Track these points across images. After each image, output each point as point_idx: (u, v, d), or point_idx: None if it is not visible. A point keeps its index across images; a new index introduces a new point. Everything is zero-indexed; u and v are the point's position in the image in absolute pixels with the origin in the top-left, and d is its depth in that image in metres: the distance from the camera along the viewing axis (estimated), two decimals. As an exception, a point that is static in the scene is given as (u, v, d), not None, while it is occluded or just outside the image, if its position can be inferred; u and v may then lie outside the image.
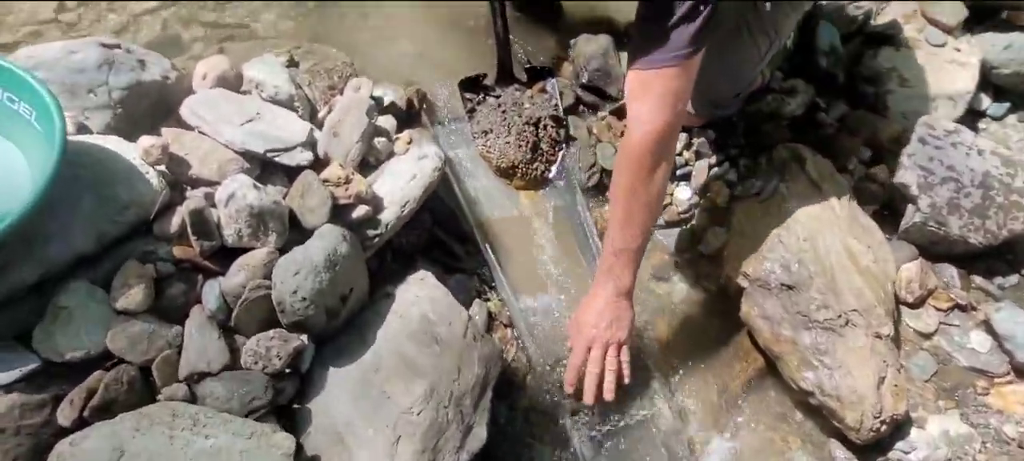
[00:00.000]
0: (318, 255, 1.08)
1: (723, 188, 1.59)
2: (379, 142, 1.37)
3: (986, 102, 1.80)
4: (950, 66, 1.71)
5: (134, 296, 1.00)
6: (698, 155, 1.64)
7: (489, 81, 1.71)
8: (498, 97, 1.68)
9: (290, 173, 1.23)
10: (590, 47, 1.74)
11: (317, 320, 1.08)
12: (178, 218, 1.09)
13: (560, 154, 1.65)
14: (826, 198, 1.45)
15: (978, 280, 1.52)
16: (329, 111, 1.39)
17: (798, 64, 1.74)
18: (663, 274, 1.56)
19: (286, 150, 1.22)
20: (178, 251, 1.08)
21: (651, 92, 1.15)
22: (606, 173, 1.63)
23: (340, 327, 1.15)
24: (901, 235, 1.55)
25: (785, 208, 1.44)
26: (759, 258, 1.39)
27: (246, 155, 1.20)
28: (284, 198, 1.18)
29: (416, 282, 1.25)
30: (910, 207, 1.53)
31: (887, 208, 1.61)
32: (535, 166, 1.61)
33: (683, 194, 1.61)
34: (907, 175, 1.51)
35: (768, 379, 1.42)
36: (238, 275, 1.07)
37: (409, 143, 1.42)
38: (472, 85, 1.70)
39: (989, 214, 1.47)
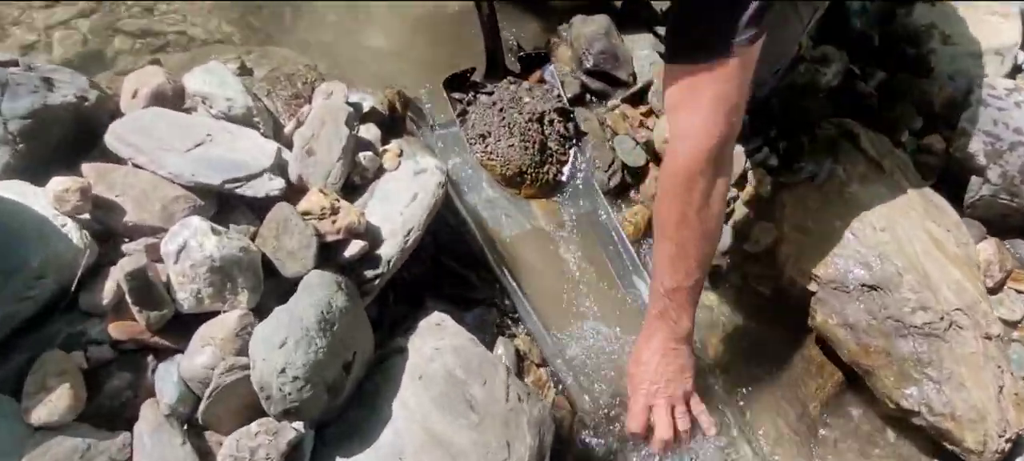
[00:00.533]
0: (309, 314, 0.81)
1: (764, 176, 1.37)
2: (364, 158, 1.11)
3: (1021, 56, 1.63)
4: (992, 18, 1.54)
5: (56, 402, 0.73)
6: (730, 141, 1.42)
7: (478, 76, 1.46)
8: (491, 94, 1.43)
9: (258, 207, 0.96)
10: (589, 28, 1.52)
11: (315, 402, 0.81)
12: (112, 283, 0.82)
13: (571, 152, 1.41)
14: (892, 178, 1.26)
15: (1056, 255, 1.35)
16: (298, 125, 1.12)
17: (826, 27, 1.54)
18: (707, 281, 1.33)
19: (250, 178, 0.95)
20: (116, 328, 0.81)
21: (701, 98, 0.89)
22: (629, 170, 1.40)
23: (343, 404, 0.88)
24: (966, 211, 1.36)
25: (848, 194, 1.24)
26: (828, 255, 1.18)
27: (198, 190, 0.93)
28: (254, 241, 0.91)
29: (431, 330, 0.99)
30: (975, 179, 1.35)
31: (942, 181, 1.42)
32: (546, 169, 1.37)
33: (718, 187, 1.39)
34: (972, 144, 1.33)
35: (846, 394, 1.22)
36: (202, 353, 0.80)
37: (400, 156, 1.17)
38: (459, 83, 1.44)
39: (1067, 180, 1.30)
